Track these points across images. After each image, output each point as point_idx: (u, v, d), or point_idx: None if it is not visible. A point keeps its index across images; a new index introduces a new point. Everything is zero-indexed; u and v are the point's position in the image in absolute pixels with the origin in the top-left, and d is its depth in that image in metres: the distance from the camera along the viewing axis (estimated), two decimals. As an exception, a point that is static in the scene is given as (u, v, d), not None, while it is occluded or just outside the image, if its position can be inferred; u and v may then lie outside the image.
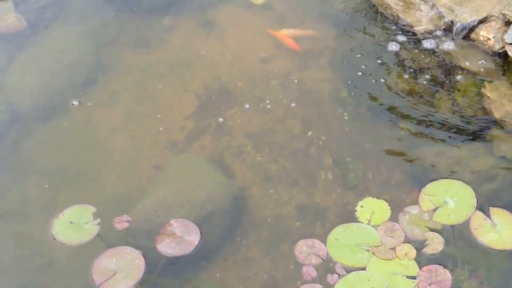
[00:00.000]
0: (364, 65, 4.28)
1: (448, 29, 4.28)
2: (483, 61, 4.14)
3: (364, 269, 3.26)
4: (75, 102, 4.22)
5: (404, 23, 4.41)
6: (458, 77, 4.11)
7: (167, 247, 3.38)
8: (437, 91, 4.07)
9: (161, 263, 3.35)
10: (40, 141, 4.07)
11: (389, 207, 3.50)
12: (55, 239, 3.44)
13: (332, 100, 4.15)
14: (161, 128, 4.08)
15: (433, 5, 4.33)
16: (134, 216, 3.50)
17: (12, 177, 3.90)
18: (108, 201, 3.72)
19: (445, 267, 3.23)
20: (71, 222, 3.49)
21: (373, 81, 4.19)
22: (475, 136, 3.82)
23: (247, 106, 4.15)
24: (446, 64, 4.20)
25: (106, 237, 3.44)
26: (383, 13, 4.53)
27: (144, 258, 3.33)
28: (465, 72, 4.13)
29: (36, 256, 3.53)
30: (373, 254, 3.30)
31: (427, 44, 4.31)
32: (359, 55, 4.35)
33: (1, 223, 3.70)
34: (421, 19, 4.37)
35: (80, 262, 3.39)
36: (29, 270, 3.50)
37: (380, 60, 4.29)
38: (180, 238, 3.39)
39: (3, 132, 4.10)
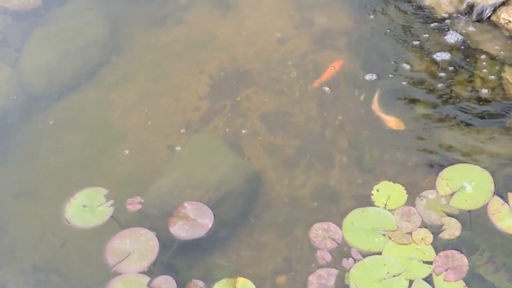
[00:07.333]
0: (382, 47, 4.23)
1: (469, 12, 4.21)
2: (503, 44, 4.07)
3: (380, 253, 3.24)
4: (90, 82, 4.22)
5: (424, 5, 4.34)
6: (478, 60, 4.05)
7: (180, 230, 3.36)
8: (456, 74, 4.01)
9: (174, 245, 3.34)
10: (53, 121, 4.06)
11: (405, 191, 3.46)
12: (69, 223, 3.43)
13: (348, 82, 4.10)
14: (175, 109, 4.05)
15: (454, -13, 4.27)
16: (148, 197, 3.49)
17: (24, 157, 3.89)
18: (122, 182, 3.71)
19: (462, 252, 3.20)
20: (84, 206, 3.48)
21: (391, 63, 4.13)
22: (494, 120, 3.76)
23: (262, 87, 4.11)
24: (465, 46, 4.13)
25: (120, 218, 3.44)
26: (402, -6, 4.46)
27: (158, 239, 3.32)
28: (485, 55, 4.06)
29: (50, 237, 3.54)
30: (389, 238, 3.27)
31: (447, 26, 4.24)
32: (377, 37, 4.29)
33: (15, 203, 3.71)
34: (441, 1, 4.30)
35: (94, 243, 3.39)
36: (43, 251, 3.50)
37: (398, 42, 4.23)
38: (194, 221, 3.38)
39: (16, 111, 4.10)
